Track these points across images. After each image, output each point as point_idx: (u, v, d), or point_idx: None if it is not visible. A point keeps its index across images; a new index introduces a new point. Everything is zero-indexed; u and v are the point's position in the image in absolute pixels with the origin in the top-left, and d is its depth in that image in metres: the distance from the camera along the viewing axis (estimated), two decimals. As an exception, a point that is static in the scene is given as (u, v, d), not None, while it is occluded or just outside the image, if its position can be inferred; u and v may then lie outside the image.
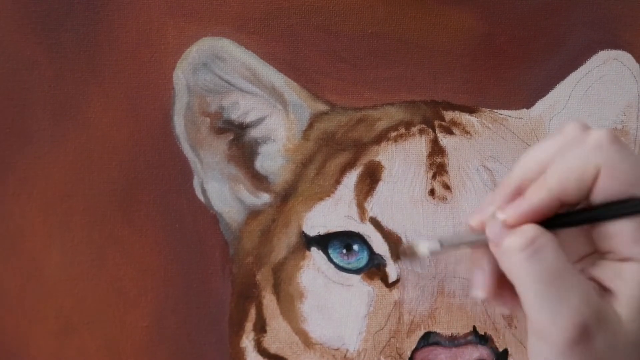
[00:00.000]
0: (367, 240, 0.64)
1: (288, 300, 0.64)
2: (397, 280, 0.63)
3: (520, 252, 0.41)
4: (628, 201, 0.41)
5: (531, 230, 0.42)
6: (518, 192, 0.44)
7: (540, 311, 0.40)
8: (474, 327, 0.62)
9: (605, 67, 0.69)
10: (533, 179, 0.43)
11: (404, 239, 0.63)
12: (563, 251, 0.41)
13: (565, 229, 0.44)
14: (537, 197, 0.43)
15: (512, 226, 0.42)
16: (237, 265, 0.65)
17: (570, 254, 0.43)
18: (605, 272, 0.43)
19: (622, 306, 0.41)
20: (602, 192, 0.42)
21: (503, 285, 0.44)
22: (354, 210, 0.64)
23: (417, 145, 0.66)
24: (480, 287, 0.45)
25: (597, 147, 0.42)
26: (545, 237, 0.41)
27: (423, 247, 0.47)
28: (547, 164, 0.43)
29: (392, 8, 0.67)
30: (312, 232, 0.64)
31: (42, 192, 0.63)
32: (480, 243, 0.44)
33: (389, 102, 0.67)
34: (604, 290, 0.43)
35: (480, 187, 0.65)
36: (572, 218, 0.44)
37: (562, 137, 0.44)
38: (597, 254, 0.44)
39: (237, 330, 0.64)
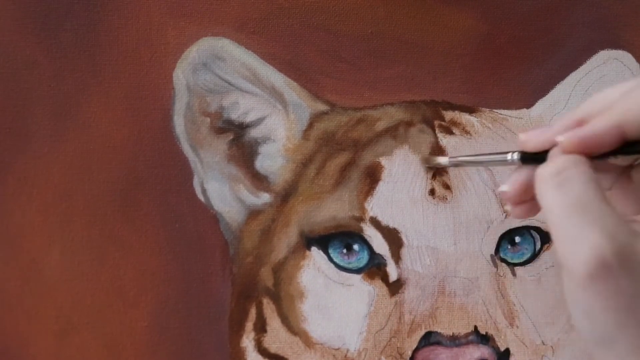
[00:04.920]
0: (368, 240, 0.63)
1: (288, 300, 0.64)
2: (398, 280, 0.63)
3: (549, 180, 0.41)
4: None
5: (563, 160, 0.42)
6: (580, 124, 0.44)
7: (562, 241, 0.40)
8: (475, 327, 0.62)
9: (606, 67, 0.69)
10: (597, 114, 0.43)
11: (404, 239, 0.63)
12: (598, 187, 0.41)
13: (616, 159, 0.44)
14: (599, 124, 0.42)
15: (568, 151, 0.42)
16: (237, 265, 0.64)
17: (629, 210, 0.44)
18: None
19: None
20: None
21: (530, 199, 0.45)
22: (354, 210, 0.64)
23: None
24: (507, 183, 0.46)
25: None
26: (577, 169, 0.41)
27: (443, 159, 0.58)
28: (613, 103, 0.43)
29: (392, 8, 0.67)
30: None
31: (42, 192, 0.63)
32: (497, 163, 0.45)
33: (389, 102, 0.67)
34: None
35: (480, 187, 0.65)
36: (626, 149, 0.43)
37: (629, 83, 0.44)
38: None
39: (237, 330, 0.64)
